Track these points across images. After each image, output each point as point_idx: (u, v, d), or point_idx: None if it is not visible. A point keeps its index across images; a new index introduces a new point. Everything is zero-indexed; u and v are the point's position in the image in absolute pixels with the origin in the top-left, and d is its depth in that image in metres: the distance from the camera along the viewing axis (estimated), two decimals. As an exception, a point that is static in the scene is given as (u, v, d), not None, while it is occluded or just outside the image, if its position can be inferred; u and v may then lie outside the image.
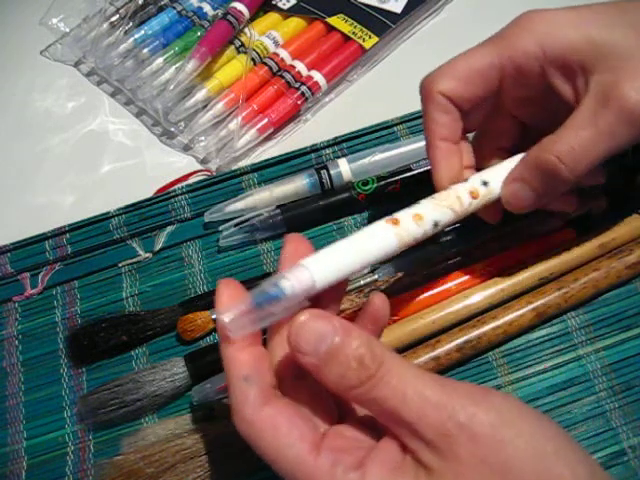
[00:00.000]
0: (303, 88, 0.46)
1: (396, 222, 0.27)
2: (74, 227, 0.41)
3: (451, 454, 0.21)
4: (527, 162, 0.30)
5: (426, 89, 0.32)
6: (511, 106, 0.32)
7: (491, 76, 0.30)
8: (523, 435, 0.21)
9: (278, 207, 0.40)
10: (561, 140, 0.28)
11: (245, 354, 0.23)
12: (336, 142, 0.43)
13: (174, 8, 0.50)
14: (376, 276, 0.37)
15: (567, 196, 0.32)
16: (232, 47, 0.48)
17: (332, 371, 0.22)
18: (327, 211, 0.41)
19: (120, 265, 0.41)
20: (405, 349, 0.34)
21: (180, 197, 0.42)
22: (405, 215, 0.28)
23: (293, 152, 0.43)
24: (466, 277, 0.36)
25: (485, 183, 0.30)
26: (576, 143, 0.28)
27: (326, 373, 0.22)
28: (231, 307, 0.23)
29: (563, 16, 0.29)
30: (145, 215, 0.41)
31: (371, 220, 0.41)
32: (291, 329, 0.22)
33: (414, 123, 0.44)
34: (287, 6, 0.51)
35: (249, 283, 0.38)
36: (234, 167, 0.45)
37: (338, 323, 0.22)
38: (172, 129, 0.46)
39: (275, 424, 0.22)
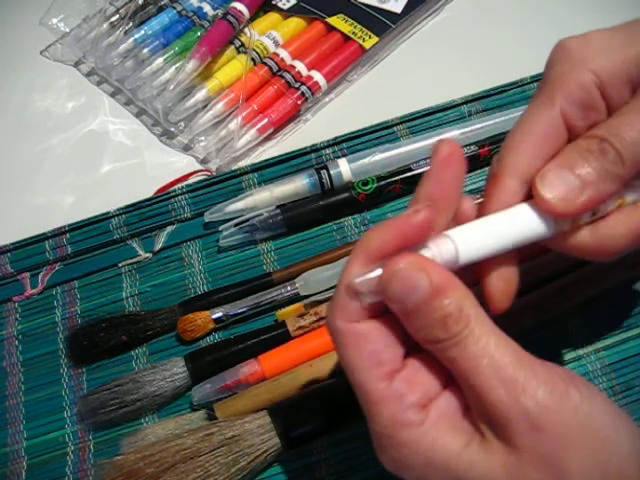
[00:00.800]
0: (303, 88, 0.46)
1: None
2: (74, 227, 0.41)
3: (507, 437, 0.21)
4: (564, 151, 0.25)
5: (495, 172, 0.26)
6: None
7: (559, 131, 0.25)
8: (589, 443, 0.21)
9: (278, 207, 0.40)
10: (609, 125, 0.24)
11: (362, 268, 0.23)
12: (336, 142, 0.43)
13: (174, 8, 0.50)
14: (376, 276, 0.37)
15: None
16: (232, 47, 0.48)
17: (414, 323, 0.22)
18: (327, 211, 0.41)
19: (120, 265, 0.41)
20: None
21: (180, 197, 0.42)
22: None
23: (293, 152, 0.43)
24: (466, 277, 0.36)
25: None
26: (622, 125, 0.24)
27: (409, 322, 0.22)
28: (364, 272, 0.22)
29: (600, 35, 0.26)
30: (145, 215, 0.41)
31: (371, 220, 0.41)
32: (385, 272, 0.22)
33: (414, 123, 0.44)
34: (287, 6, 0.51)
35: (249, 283, 0.38)
36: (234, 167, 0.45)
37: (435, 277, 0.21)
38: (172, 129, 0.46)
39: (359, 343, 0.22)
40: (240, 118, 0.45)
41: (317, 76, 0.47)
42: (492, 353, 0.21)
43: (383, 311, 0.23)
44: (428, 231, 0.22)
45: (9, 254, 0.41)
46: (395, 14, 0.49)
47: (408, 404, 0.22)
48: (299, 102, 0.46)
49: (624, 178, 0.24)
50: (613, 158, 0.23)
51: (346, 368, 0.23)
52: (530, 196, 0.25)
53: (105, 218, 0.41)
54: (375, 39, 0.48)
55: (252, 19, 0.50)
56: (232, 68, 0.47)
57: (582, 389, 0.22)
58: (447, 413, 0.22)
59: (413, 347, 0.24)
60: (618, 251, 0.26)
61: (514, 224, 0.24)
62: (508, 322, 0.34)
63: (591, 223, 0.25)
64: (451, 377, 0.23)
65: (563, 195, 0.24)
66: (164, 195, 0.42)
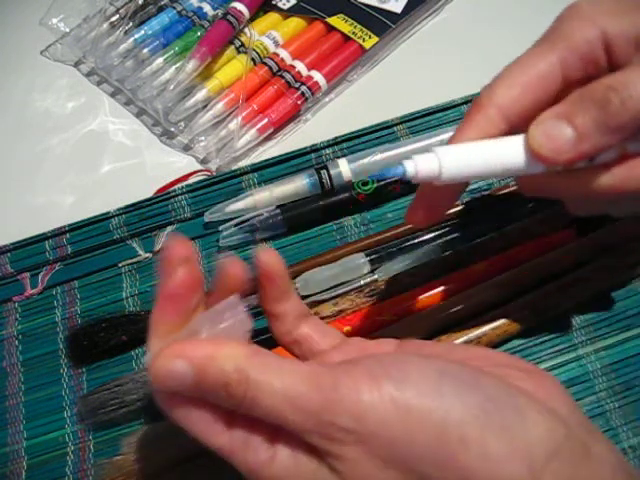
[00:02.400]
0: (303, 88, 0.46)
1: None
2: (74, 227, 0.41)
3: (344, 457, 0.21)
4: (567, 98, 0.24)
5: (480, 102, 0.26)
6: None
7: (554, 77, 0.25)
8: (413, 424, 0.20)
9: (278, 207, 0.40)
10: (615, 75, 0.23)
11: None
12: (336, 142, 0.43)
13: (174, 8, 0.50)
14: (376, 276, 0.37)
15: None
16: (232, 47, 0.48)
17: (212, 400, 0.22)
18: (327, 211, 0.41)
19: (120, 265, 0.41)
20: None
21: (180, 197, 0.42)
22: None
23: (293, 152, 0.43)
24: (466, 277, 0.36)
25: None
26: (632, 77, 0.23)
27: (209, 400, 0.22)
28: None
29: (610, 2, 0.25)
30: (145, 215, 0.41)
31: (371, 220, 0.41)
32: (149, 371, 0.21)
33: (414, 123, 0.44)
34: (287, 6, 0.51)
35: (248, 283, 0.38)
36: (234, 167, 0.45)
37: (195, 354, 0.21)
38: (172, 129, 0.46)
39: (189, 410, 0.22)
40: (240, 118, 0.45)
41: (317, 76, 0.47)
42: (286, 392, 0.21)
43: None
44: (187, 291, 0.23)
45: (9, 254, 0.41)
46: (395, 14, 0.49)
47: (256, 445, 0.22)
48: (299, 102, 0.46)
49: (624, 131, 0.23)
50: (616, 109, 0.22)
51: (191, 433, 0.22)
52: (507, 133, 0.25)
53: (105, 218, 0.41)
54: (375, 39, 0.48)
55: (252, 19, 0.50)
56: (232, 68, 0.47)
57: (396, 375, 0.21)
58: (295, 446, 0.22)
59: None
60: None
61: (504, 151, 0.24)
62: (509, 323, 0.34)
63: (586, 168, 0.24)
64: None
65: (556, 146, 0.23)
66: (164, 195, 0.42)
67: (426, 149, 0.23)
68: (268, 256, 0.26)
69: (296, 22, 0.50)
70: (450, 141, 0.26)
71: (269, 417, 0.21)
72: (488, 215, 0.38)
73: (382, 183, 0.40)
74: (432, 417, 0.20)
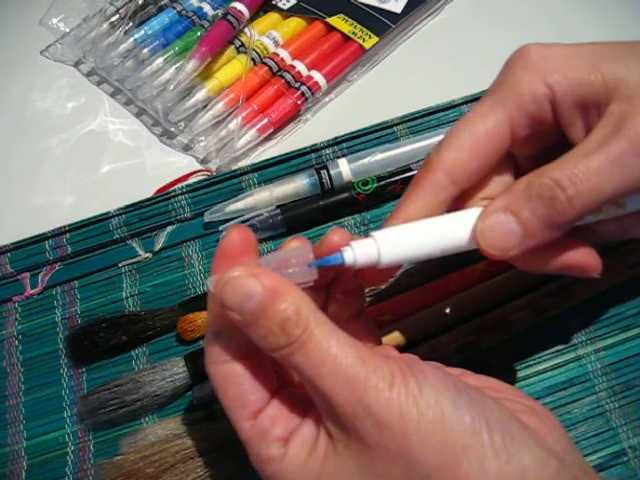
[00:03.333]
0: (303, 88, 0.46)
1: None
2: (74, 227, 0.41)
3: (358, 437, 0.21)
4: (515, 190, 0.24)
5: (429, 164, 0.26)
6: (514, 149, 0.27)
7: (502, 137, 0.25)
8: (430, 425, 0.21)
9: (278, 207, 0.40)
10: (562, 165, 0.23)
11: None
12: (336, 142, 0.43)
13: (174, 8, 0.50)
14: (376, 276, 0.37)
15: (581, 246, 0.25)
16: (232, 47, 0.48)
17: (257, 332, 0.22)
18: (327, 211, 0.41)
19: (120, 265, 0.41)
20: (405, 349, 0.34)
21: (180, 197, 0.42)
22: None
23: (293, 152, 0.43)
24: (466, 277, 0.36)
25: None
26: (580, 170, 0.23)
27: (252, 332, 0.22)
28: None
29: (564, 50, 0.25)
30: (145, 215, 0.41)
31: (371, 220, 0.41)
32: (219, 281, 0.22)
33: (414, 123, 0.44)
34: (287, 6, 0.51)
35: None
36: (234, 167, 0.45)
37: (269, 282, 0.22)
38: (172, 129, 0.46)
39: (226, 385, 0.24)
40: (240, 118, 0.45)
41: (317, 76, 0.47)
42: (334, 355, 0.21)
43: (250, 351, 0.24)
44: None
45: (9, 254, 0.41)
46: (395, 14, 0.49)
47: (271, 440, 0.23)
48: (299, 102, 0.46)
49: (571, 225, 0.23)
50: (563, 207, 0.23)
51: (222, 407, 0.24)
52: (456, 198, 0.25)
53: (105, 218, 0.41)
54: (375, 39, 0.48)
55: (252, 19, 0.50)
56: (232, 68, 0.47)
57: (420, 378, 0.22)
58: (306, 438, 0.23)
59: (282, 381, 0.25)
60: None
61: (444, 234, 0.24)
62: (506, 324, 0.34)
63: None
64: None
65: (502, 245, 0.24)
66: (164, 195, 0.42)
67: (368, 235, 0.24)
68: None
69: (296, 22, 0.50)
70: (397, 207, 0.26)
71: (306, 371, 0.22)
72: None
73: (382, 183, 0.40)
74: (445, 422, 0.21)
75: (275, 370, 0.25)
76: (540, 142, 0.26)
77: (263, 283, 0.22)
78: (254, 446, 0.23)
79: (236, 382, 0.24)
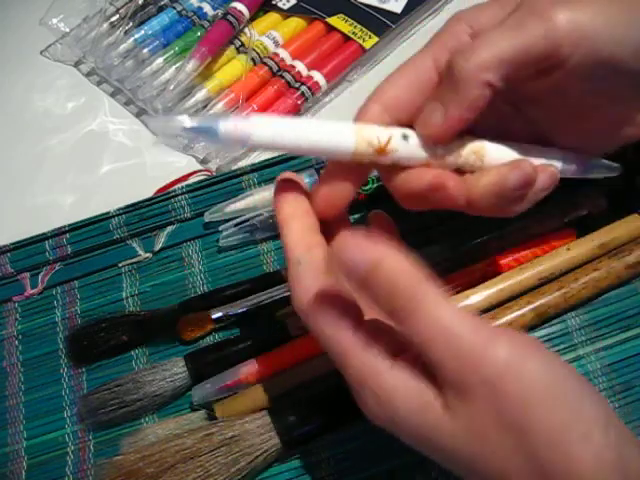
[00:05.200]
0: (303, 88, 0.46)
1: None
2: (74, 227, 0.41)
3: (469, 402, 0.21)
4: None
5: (369, 97, 0.29)
6: None
7: (427, 72, 0.29)
8: (552, 409, 0.21)
9: (278, 207, 0.40)
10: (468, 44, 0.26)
11: (299, 236, 0.26)
12: (336, 142, 0.43)
13: (174, 8, 0.50)
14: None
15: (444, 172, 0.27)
16: (232, 47, 0.48)
17: (369, 293, 0.23)
18: (327, 211, 0.40)
19: (120, 265, 0.41)
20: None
21: (180, 197, 0.42)
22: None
23: (293, 152, 0.43)
24: (466, 277, 0.36)
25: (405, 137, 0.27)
26: (479, 40, 0.25)
27: (364, 292, 0.23)
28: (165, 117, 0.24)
29: (492, 10, 0.28)
30: (145, 215, 0.41)
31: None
32: (334, 245, 0.23)
33: (414, 123, 0.44)
34: (287, 6, 0.51)
35: (249, 283, 0.38)
36: (234, 167, 0.45)
37: (382, 246, 0.22)
38: (172, 129, 0.46)
39: (323, 301, 0.24)
40: (240, 118, 0.45)
41: (317, 76, 0.47)
42: (444, 325, 0.22)
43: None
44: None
45: (9, 254, 0.41)
46: (395, 14, 0.49)
47: (376, 352, 0.23)
48: (299, 102, 0.46)
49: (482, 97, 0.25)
50: (460, 66, 0.25)
51: (318, 332, 0.24)
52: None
53: (105, 218, 0.41)
54: (375, 39, 0.48)
55: (252, 19, 0.50)
56: (232, 68, 0.47)
57: (543, 353, 0.22)
58: (418, 363, 0.23)
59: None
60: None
61: (318, 130, 0.25)
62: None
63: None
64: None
65: (430, 122, 0.26)
66: (164, 195, 0.42)
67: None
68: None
69: (296, 22, 0.50)
70: None
71: (418, 336, 0.22)
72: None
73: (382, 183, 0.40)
74: (569, 406, 0.21)
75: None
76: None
77: (377, 245, 0.22)
78: (356, 357, 0.23)
79: (332, 297, 0.24)
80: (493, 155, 0.28)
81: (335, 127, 0.26)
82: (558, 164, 0.29)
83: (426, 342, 0.22)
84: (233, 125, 0.24)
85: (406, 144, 0.26)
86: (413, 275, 0.22)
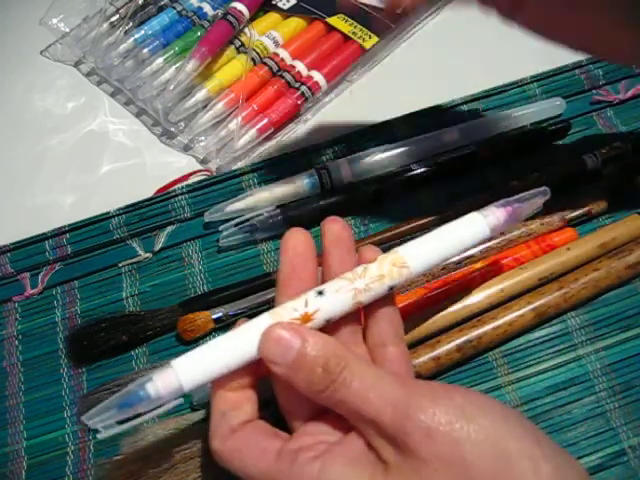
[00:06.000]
0: (303, 88, 0.46)
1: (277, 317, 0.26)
2: (74, 227, 0.41)
3: (408, 450, 0.22)
4: None
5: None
6: None
7: None
8: (482, 432, 0.22)
9: (278, 207, 0.40)
10: None
11: (229, 393, 0.26)
12: (336, 142, 0.43)
13: (174, 8, 0.50)
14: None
15: None
16: (232, 47, 0.48)
17: (301, 378, 0.24)
18: (327, 211, 0.40)
19: (120, 265, 0.41)
20: (405, 349, 0.34)
21: (180, 197, 0.42)
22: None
23: (293, 152, 0.43)
24: (466, 277, 0.36)
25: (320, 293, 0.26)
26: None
27: (296, 380, 0.24)
28: (96, 411, 0.25)
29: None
30: (145, 215, 0.41)
31: (371, 220, 0.41)
32: (260, 341, 0.24)
33: (414, 123, 0.44)
34: (287, 6, 0.51)
35: (249, 283, 0.38)
36: (234, 167, 0.45)
37: (304, 330, 0.24)
38: (172, 129, 0.46)
39: (239, 449, 0.25)
40: (240, 118, 0.45)
41: (317, 76, 0.47)
42: (375, 383, 0.24)
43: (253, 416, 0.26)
44: None
45: (9, 254, 0.41)
46: (395, 14, 0.49)
47: (301, 463, 0.23)
48: (299, 102, 0.46)
49: None
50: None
51: (243, 475, 0.25)
52: None
53: (105, 218, 0.41)
54: (375, 39, 0.48)
55: (252, 19, 0.50)
56: (232, 68, 0.47)
57: (461, 390, 0.24)
58: (346, 453, 0.24)
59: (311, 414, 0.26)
60: None
61: (235, 345, 0.25)
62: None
63: None
64: (349, 428, 0.25)
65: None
66: (164, 195, 0.42)
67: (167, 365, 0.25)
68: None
69: (296, 22, 0.50)
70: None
71: (352, 403, 0.23)
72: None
73: (382, 183, 0.40)
74: (496, 429, 0.22)
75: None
76: None
77: (299, 331, 0.24)
78: (286, 475, 0.24)
79: (248, 443, 0.25)
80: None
81: (251, 331, 0.25)
82: (486, 230, 0.28)
83: (363, 402, 0.23)
84: (160, 382, 0.24)
85: (323, 298, 0.26)
86: (338, 347, 0.24)
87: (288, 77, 0.47)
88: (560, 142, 0.43)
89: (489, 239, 0.32)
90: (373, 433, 0.23)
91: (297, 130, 0.47)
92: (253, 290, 0.38)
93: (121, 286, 0.40)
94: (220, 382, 0.26)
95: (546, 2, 0.30)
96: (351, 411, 0.24)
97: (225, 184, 0.42)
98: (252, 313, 0.37)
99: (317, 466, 0.23)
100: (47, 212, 0.45)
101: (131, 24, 0.49)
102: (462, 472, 0.21)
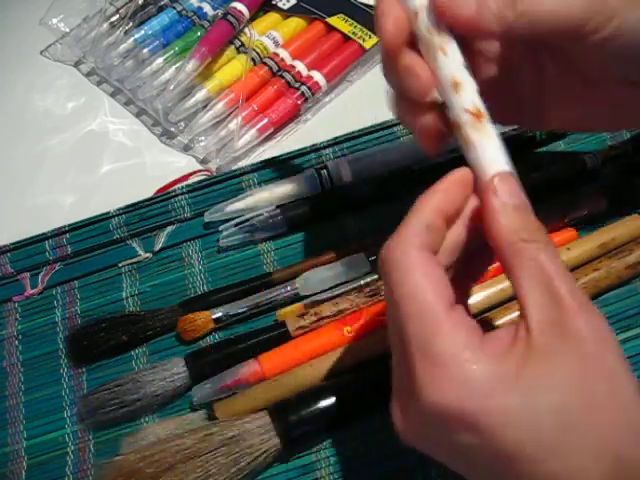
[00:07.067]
0: (303, 88, 0.46)
1: None
2: (74, 227, 0.41)
3: (576, 336, 0.21)
4: None
5: None
6: None
7: None
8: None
9: (278, 207, 0.40)
10: None
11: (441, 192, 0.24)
12: (336, 142, 0.43)
13: (174, 8, 0.50)
14: (376, 275, 0.37)
15: None
16: (232, 47, 0.48)
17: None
18: (327, 211, 0.40)
19: (120, 265, 0.41)
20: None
21: (180, 197, 0.42)
22: None
23: (293, 152, 0.43)
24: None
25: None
26: None
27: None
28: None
29: None
30: (145, 215, 0.41)
31: (372, 220, 0.41)
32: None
33: (414, 123, 0.44)
34: (287, 6, 0.51)
35: (249, 283, 0.38)
36: (234, 167, 0.45)
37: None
38: (172, 129, 0.46)
39: (429, 265, 0.22)
40: (240, 118, 0.45)
41: (317, 76, 0.47)
42: (554, 273, 0.22)
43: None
44: None
45: (9, 254, 0.41)
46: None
47: (467, 330, 0.22)
48: (299, 102, 0.46)
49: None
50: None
51: (407, 293, 0.22)
52: None
53: (105, 218, 0.41)
54: (375, 39, 0.48)
55: (252, 19, 0.50)
56: (232, 68, 0.47)
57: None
58: (504, 339, 0.22)
59: None
60: None
61: None
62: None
63: None
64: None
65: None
66: (164, 195, 0.42)
67: None
68: None
69: (296, 22, 0.50)
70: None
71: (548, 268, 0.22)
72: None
73: (382, 183, 0.40)
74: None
75: None
76: None
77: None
78: (460, 335, 0.22)
79: (438, 268, 0.23)
80: None
81: None
82: None
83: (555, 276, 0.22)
84: None
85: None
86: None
87: (288, 77, 0.47)
88: (560, 142, 0.43)
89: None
90: (548, 307, 0.21)
91: (297, 130, 0.47)
92: (253, 290, 0.38)
93: (121, 286, 0.40)
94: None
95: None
96: (516, 282, 0.22)
97: (225, 184, 0.42)
98: (252, 313, 0.37)
99: (477, 343, 0.22)
100: (47, 212, 0.45)
101: (131, 24, 0.49)
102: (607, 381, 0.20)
